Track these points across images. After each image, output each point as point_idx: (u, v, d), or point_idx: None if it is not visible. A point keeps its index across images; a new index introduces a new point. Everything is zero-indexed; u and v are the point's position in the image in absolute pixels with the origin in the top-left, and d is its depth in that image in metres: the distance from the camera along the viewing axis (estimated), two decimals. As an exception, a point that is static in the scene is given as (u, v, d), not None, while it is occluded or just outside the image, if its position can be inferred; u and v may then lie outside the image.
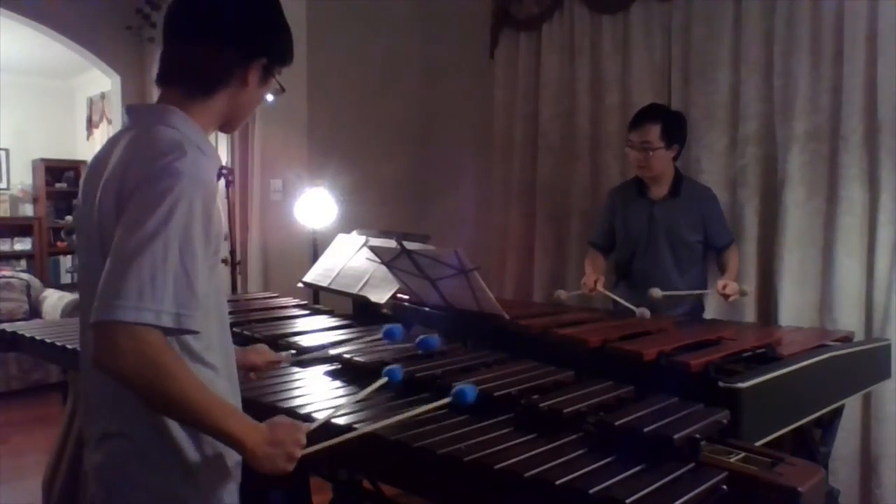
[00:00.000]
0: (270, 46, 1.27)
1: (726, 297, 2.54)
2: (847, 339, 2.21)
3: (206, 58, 1.22)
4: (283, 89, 1.34)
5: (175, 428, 1.17)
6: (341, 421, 1.41)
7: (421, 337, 1.84)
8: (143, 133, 1.16)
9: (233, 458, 1.25)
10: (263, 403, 1.56)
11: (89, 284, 1.12)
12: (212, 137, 1.33)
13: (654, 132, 2.60)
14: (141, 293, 1.01)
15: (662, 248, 2.71)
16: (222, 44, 1.22)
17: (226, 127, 1.32)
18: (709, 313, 2.83)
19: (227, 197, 3.89)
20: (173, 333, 1.07)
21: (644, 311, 2.30)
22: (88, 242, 1.18)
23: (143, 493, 1.18)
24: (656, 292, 2.49)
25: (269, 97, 1.36)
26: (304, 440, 1.18)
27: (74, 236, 1.33)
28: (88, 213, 1.18)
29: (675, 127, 2.67)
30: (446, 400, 1.42)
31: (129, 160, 1.13)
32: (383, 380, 1.52)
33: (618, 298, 2.62)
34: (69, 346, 2.24)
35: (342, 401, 1.56)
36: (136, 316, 1.00)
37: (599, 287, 2.70)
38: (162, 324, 1.02)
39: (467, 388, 1.41)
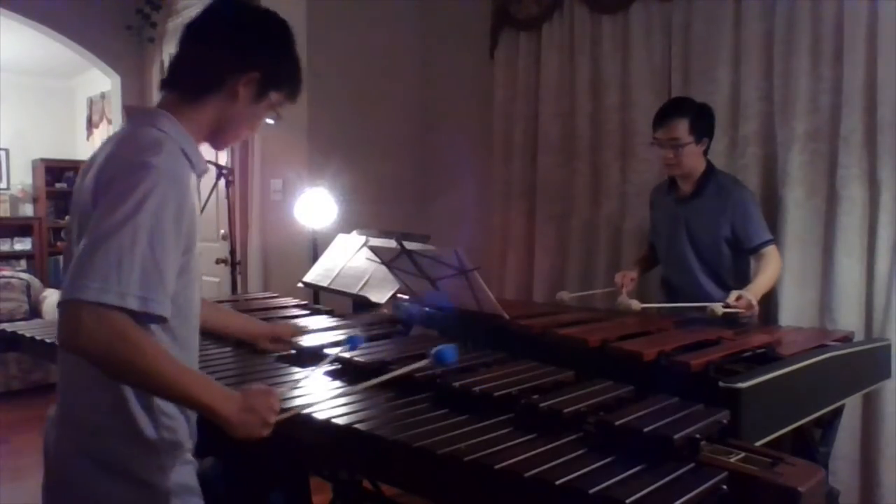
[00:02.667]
0: (265, 62, 1.29)
1: (736, 312, 2.22)
2: (847, 339, 2.21)
3: (198, 61, 1.28)
4: (279, 115, 1.37)
5: (134, 407, 1.20)
6: (340, 421, 1.41)
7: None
8: (130, 132, 1.23)
9: (185, 438, 1.29)
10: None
11: None
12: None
13: (681, 127, 2.44)
14: (106, 275, 1.05)
15: (687, 253, 2.55)
16: (215, 49, 1.27)
17: (215, 141, 1.35)
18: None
19: (227, 197, 3.89)
20: (141, 318, 1.10)
21: (716, 307, 2.15)
22: (74, 234, 1.23)
23: (90, 465, 1.22)
24: (717, 308, 2.18)
25: (269, 120, 1.38)
26: (277, 406, 1.23)
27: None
28: (75, 207, 1.25)
29: (703, 119, 2.50)
30: (425, 362, 1.45)
31: (111, 156, 1.20)
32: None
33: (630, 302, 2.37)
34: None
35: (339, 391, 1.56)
36: (98, 296, 1.03)
37: (628, 284, 2.54)
38: (126, 305, 1.06)
39: (446, 349, 1.43)
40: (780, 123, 2.85)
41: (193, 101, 1.27)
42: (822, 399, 1.91)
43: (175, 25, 4.77)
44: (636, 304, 2.28)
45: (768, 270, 2.43)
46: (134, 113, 1.30)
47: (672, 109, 2.52)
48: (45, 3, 4.84)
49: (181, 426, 1.28)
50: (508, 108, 3.84)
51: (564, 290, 2.79)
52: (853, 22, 2.63)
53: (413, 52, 4.25)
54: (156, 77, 5.07)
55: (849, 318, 2.64)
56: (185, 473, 1.28)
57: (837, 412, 2.08)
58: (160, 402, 1.23)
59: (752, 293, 2.29)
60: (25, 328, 2.60)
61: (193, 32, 1.30)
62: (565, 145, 3.60)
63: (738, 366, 1.75)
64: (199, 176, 1.30)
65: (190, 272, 1.23)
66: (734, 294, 2.26)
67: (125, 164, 1.14)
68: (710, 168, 2.57)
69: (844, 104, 2.66)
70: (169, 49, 4.83)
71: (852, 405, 2.45)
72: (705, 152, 2.55)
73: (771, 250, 2.48)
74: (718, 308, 2.18)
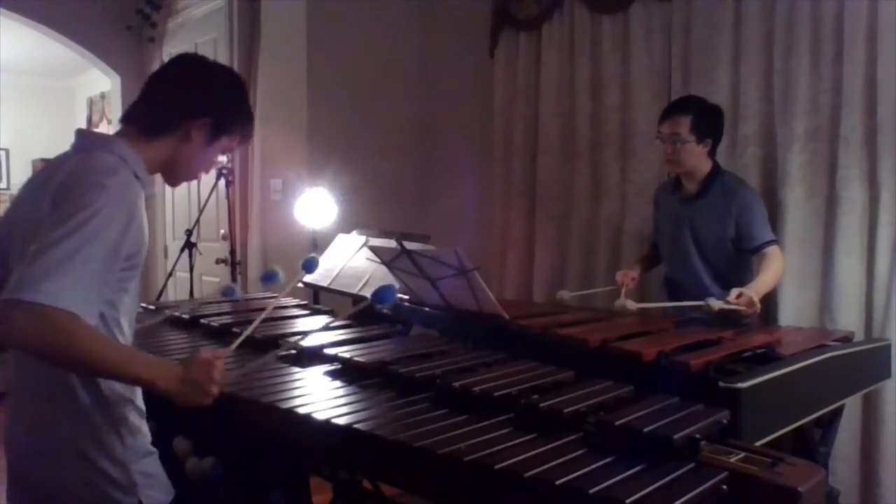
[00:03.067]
0: (217, 111, 1.42)
1: (733, 309, 2.22)
2: (847, 339, 2.21)
3: (157, 104, 1.42)
4: (227, 156, 1.47)
5: (91, 408, 1.30)
6: (340, 421, 1.41)
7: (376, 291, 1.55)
8: (87, 156, 1.33)
9: (133, 411, 1.38)
10: (263, 403, 1.56)
11: None
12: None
13: (683, 124, 2.45)
14: (44, 278, 1.13)
15: (691, 253, 2.55)
16: (174, 94, 1.42)
17: (168, 176, 1.48)
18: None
19: (227, 197, 3.89)
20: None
21: (713, 302, 2.15)
22: (23, 242, 1.30)
23: (47, 461, 1.32)
24: (714, 303, 2.19)
25: (223, 158, 1.45)
26: (217, 376, 1.27)
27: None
28: (23, 215, 1.33)
29: (708, 119, 2.49)
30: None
31: (69, 174, 1.29)
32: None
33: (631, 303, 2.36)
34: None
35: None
36: (32, 297, 1.12)
37: (629, 283, 2.57)
38: (58, 306, 1.13)
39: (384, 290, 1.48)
40: (780, 123, 2.85)
41: (150, 137, 1.39)
42: (822, 399, 1.91)
43: (175, 25, 4.77)
44: (631, 304, 2.27)
45: (771, 270, 2.43)
46: (89, 137, 1.43)
47: (678, 105, 2.55)
48: (45, 3, 4.83)
49: (139, 420, 1.37)
50: (508, 108, 3.84)
51: (564, 290, 2.79)
52: (853, 22, 2.63)
53: (413, 52, 4.25)
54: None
55: (849, 318, 2.64)
56: (148, 465, 1.38)
57: (837, 412, 2.08)
58: (111, 395, 1.32)
59: (754, 291, 2.28)
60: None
61: (156, 79, 1.45)
62: (565, 145, 3.60)
63: (738, 366, 1.75)
64: (148, 197, 1.40)
65: (134, 281, 1.35)
66: (735, 291, 2.25)
67: (83, 183, 1.25)
68: (716, 168, 2.56)
69: (844, 104, 2.66)
70: (169, 49, 4.83)
71: (852, 405, 2.45)
72: (711, 153, 2.54)
73: (774, 250, 2.47)
74: (715, 303, 2.17)
